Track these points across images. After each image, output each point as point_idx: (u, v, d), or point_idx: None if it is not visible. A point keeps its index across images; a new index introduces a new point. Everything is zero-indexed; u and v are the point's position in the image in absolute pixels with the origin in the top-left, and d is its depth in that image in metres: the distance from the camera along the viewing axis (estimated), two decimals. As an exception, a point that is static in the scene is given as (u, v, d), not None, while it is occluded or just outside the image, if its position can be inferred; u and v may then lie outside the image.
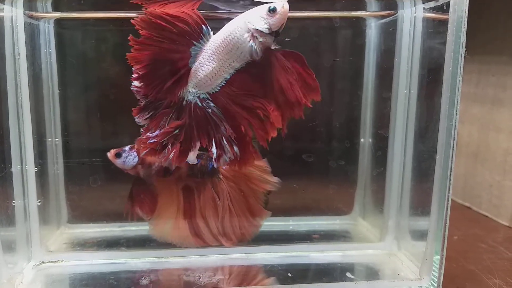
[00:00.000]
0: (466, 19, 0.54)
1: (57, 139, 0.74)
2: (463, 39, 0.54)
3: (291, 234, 0.77)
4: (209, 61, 0.57)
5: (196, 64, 0.58)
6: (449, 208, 0.58)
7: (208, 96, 0.58)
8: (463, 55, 0.54)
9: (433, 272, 0.60)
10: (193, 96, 0.58)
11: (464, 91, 1.00)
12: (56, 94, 0.73)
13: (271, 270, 0.65)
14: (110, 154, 0.66)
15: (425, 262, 0.60)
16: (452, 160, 0.57)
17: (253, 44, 0.55)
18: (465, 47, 0.55)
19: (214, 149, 0.58)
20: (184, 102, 0.58)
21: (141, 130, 0.59)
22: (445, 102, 0.56)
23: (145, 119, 0.59)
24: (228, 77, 0.58)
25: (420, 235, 0.63)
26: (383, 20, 0.72)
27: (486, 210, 0.93)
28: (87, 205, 0.78)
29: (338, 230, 0.79)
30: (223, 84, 0.58)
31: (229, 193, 0.68)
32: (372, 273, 0.66)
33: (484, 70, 0.94)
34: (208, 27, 0.57)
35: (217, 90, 0.58)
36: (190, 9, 0.56)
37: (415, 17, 0.64)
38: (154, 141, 0.58)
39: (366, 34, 0.75)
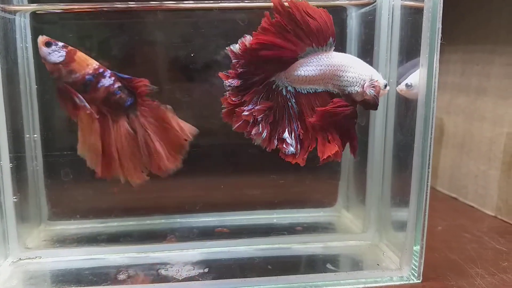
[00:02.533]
0: (442, 6, 0.53)
1: (35, 135, 0.73)
2: (438, 25, 0.53)
3: (275, 227, 0.76)
4: (314, 68, 0.59)
5: (303, 60, 0.59)
6: (428, 197, 0.57)
7: (294, 91, 0.60)
8: (439, 41, 0.54)
9: (413, 261, 0.59)
10: (282, 84, 0.60)
11: (449, 81, 1.01)
12: (34, 90, 0.72)
13: (251, 263, 0.64)
14: (41, 40, 0.63)
15: (405, 252, 0.60)
16: (430, 148, 0.56)
17: (371, 92, 0.58)
18: (446, 35, 0.54)
19: (286, 135, 0.59)
20: (274, 86, 0.60)
21: (226, 94, 0.59)
22: (422, 88, 0.55)
23: (233, 87, 0.58)
24: (319, 90, 0.60)
25: (401, 226, 0.62)
26: (363, 10, 0.71)
27: (472, 201, 0.93)
28: (68, 202, 0.77)
29: (322, 222, 0.79)
30: (310, 92, 0.60)
31: (147, 128, 0.67)
32: (353, 264, 0.65)
33: (468, 59, 0.94)
34: (335, 40, 0.58)
35: (303, 92, 0.60)
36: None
37: (393, 5, 0.64)
38: (248, 114, 0.58)
39: (347, 24, 0.74)
